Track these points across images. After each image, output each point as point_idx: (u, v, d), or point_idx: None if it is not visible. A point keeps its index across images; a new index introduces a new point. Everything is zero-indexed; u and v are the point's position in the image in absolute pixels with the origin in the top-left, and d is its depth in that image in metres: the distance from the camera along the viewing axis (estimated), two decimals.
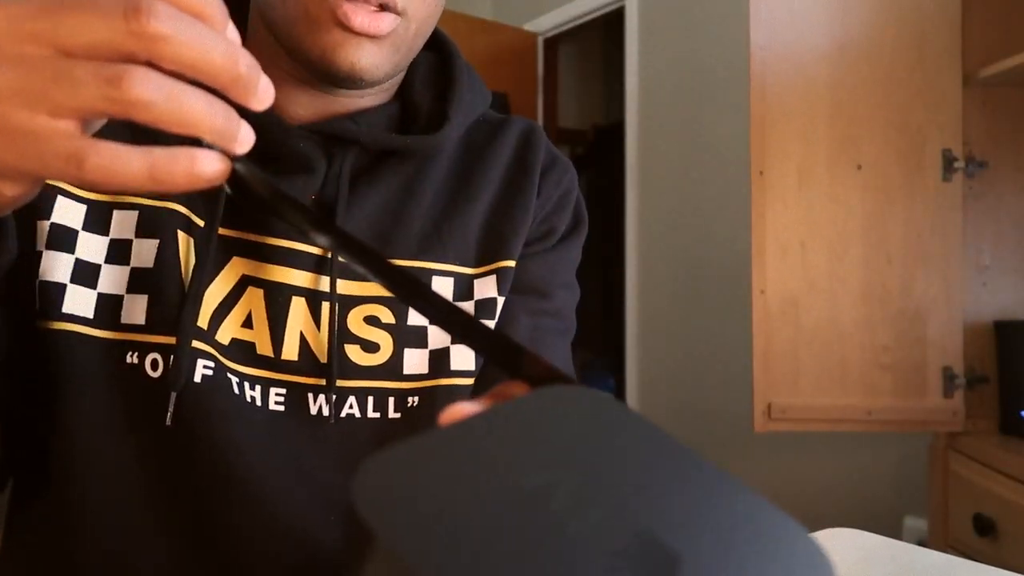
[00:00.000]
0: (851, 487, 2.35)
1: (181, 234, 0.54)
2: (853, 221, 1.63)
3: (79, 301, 0.52)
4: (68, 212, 0.52)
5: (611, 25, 3.75)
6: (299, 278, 0.56)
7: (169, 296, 0.52)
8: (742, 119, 2.64)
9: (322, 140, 0.57)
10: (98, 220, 0.53)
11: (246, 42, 0.59)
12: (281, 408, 0.56)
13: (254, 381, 0.55)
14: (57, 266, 0.52)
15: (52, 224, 0.52)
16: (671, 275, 3.03)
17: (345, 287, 0.57)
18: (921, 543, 2.01)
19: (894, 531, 2.23)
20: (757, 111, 1.64)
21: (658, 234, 3.09)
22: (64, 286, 0.52)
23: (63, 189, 0.53)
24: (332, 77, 0.53)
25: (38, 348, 0.52)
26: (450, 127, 0.60)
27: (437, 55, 0.65)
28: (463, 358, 0.60)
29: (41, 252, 0.52)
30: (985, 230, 1.66)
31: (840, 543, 0.69)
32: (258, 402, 0.55)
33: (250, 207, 0.56)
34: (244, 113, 0.54)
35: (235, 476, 0.53)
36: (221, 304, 0.55)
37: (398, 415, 0.58)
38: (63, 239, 0.52)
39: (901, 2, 1.63)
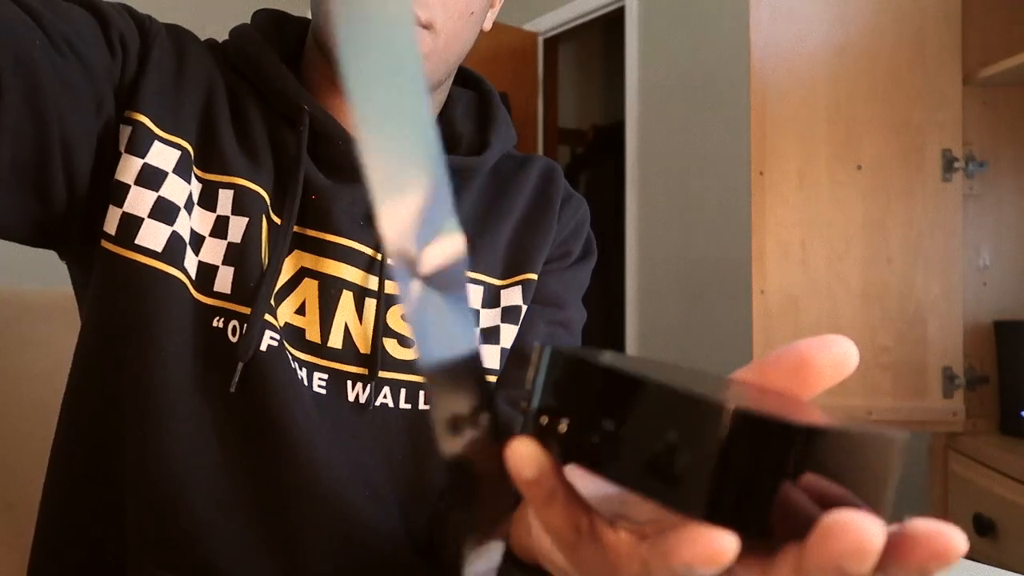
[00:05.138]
0: None
1: (263, 219, 0.59)
2: (853, 221, 1.63)
3: (190, 262, 0.57)
4: (180, 190, 0.58)
5: (611, 25, 3.75)
6: (351, 274, 0.62)
7: (250, 270, 0.58)
8: (742, 119, 2.64)
9: None
10: (208, 197, 0.59)
11: (303, 62, 0.67)
12: (323, 392, 0.61)
13: (301, 364, 0.60)
14: (184, 225, 0.57)
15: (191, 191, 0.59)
16: (671, 275, 3.03)
17: (390, 286, 0.63)
18: None
19: None
20: (757, 111, 1.64)
21: (658, 234, 3.09)
22: (185, 243, 0.57)
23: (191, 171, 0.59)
24: None
25: (140, 282, 0.55)
26: (491, 152, 0.69)
27: (475, 94, 0.74)
28: (489, 357, 0.67)
29: (179, 207, 0.57)
30: (985, 230, 1.66)
31: None
32: (304, 383, 0.60)
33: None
34: (313, 120, 0.61)
35: (287, 441, 0.57)
36: (279, 290, 0.60)
37: (427, 407, 0.63)
38: (182, 207, 0.58)
39: (901, 2, 1.63)
